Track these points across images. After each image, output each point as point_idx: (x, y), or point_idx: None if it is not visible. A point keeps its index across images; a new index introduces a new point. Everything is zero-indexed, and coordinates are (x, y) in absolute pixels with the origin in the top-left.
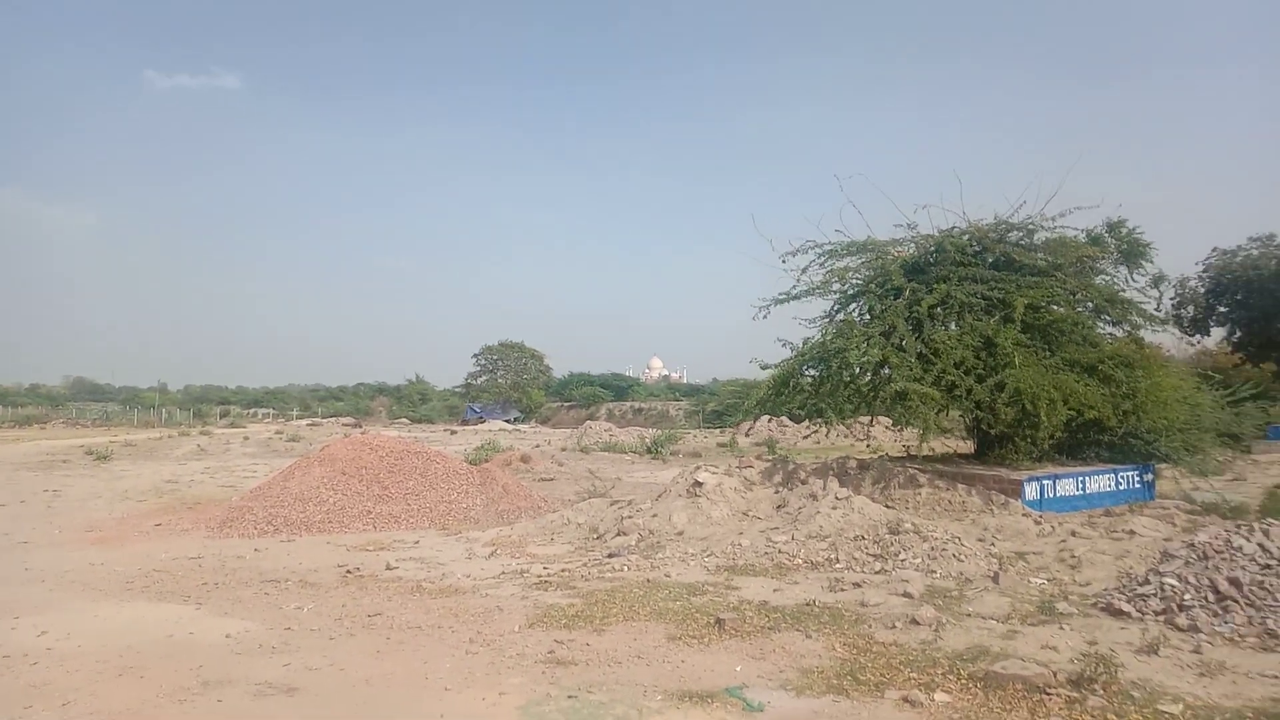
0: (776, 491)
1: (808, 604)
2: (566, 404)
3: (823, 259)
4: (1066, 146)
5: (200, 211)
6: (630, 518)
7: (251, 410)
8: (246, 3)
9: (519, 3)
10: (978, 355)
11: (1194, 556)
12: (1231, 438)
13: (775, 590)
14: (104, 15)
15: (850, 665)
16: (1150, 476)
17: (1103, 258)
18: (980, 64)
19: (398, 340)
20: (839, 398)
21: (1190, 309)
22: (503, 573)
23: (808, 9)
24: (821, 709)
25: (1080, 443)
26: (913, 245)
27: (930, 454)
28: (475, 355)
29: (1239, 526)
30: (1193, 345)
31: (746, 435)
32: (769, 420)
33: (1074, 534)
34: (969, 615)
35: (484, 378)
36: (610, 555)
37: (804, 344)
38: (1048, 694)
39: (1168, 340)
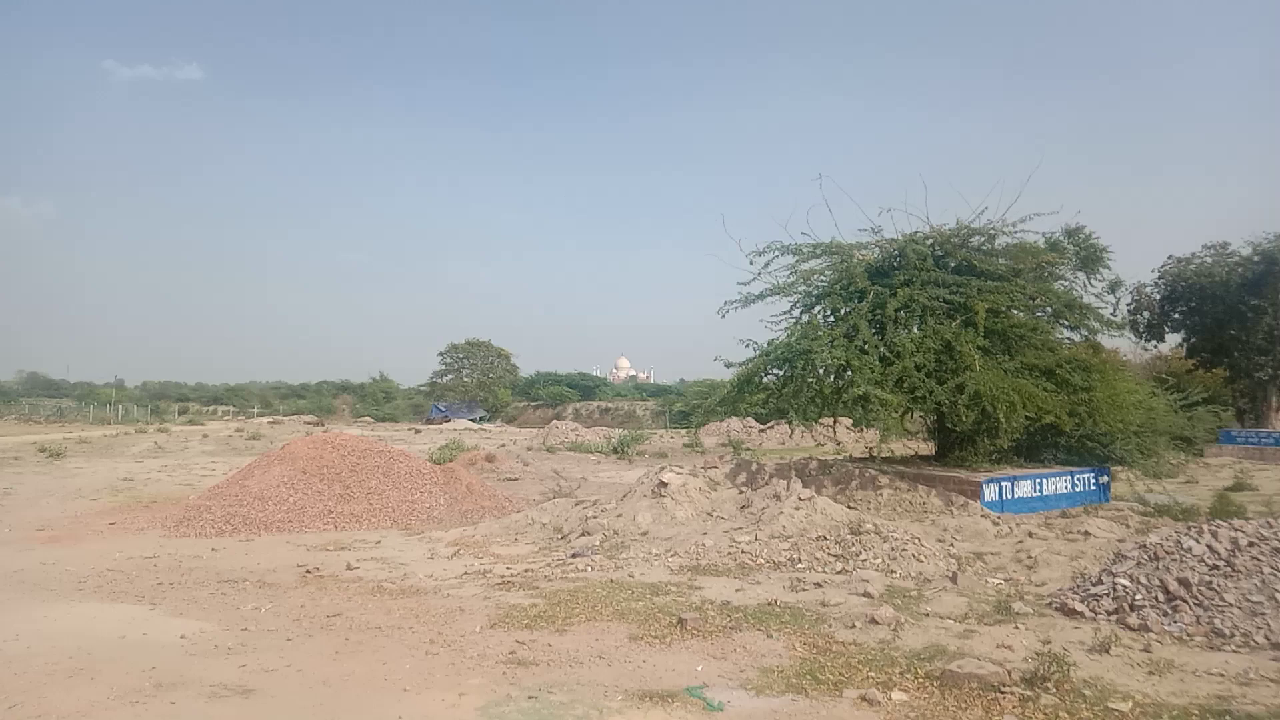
0: (741, 492)
1: (770, 604)
2: (533, 403)
3: (789, 260)
4: (1028, 153)
5: (161, 205)
6: (595, 518)
7: (211, 407)
8: None
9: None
10: (939, 358)
11: (1146, 557)
12: (1184, 441)
13: (738, 590)
14: (62, 3)
15: (810, 664)
16: (1105, 479)
17: (1061, 263)
18: (945, 69)
19: (362, 338)
20: (802, 399)
21: (1146, 315)
22: (465, 573)
23: (776, 7)
24: (780, 708)
25: (1038, 445)
26: (877, 249)
27: (892, 455)
28: (441, 353)
29: (1189, 528)
30: (1148, 350)
31: (711, 436)
32: (735, 421)
33: (1031, 535)
34: (927, 615)
35: (449, 376)
36: (574, 555)
37: (768, 344)
38: (1002, 692)
39: (1124, 345)
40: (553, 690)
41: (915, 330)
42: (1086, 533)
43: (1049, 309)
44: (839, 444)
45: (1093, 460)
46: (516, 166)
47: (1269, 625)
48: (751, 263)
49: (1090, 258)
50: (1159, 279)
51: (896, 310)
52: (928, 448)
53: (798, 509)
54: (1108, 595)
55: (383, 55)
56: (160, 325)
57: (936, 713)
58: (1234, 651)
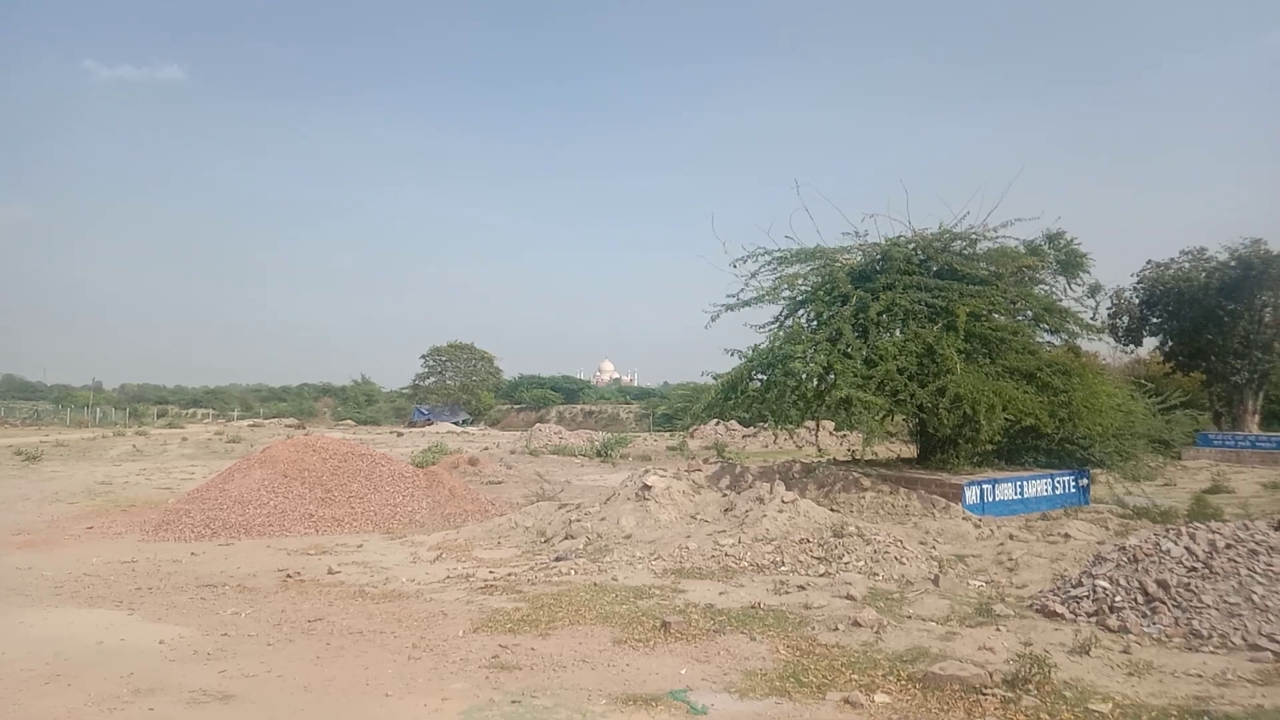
0: (724, 495)
1: (753, 606)
2: (516, 406)
3: (773, 265)
4: (1011, 159)
5: (140, 207)
6: (578, 521)
7: (190, 410)
8: None
9: (469, 2)
10: (920, 362)
11: (1125, 559)
12: (1162, 444)
13: (721, 593)
14: (41, 2)
15: (793, 667)
16: (1085, 481)
17: (1042, 268)
18: (927, 74)
19: (343, 340)
20: (785, 403)
21: (1125, 319)
22: (448, 577)
23: (763, 11)
24: (764, 711)
25: (1019, 448)
26: (860, 253)
27: (874, 458)
28: (423, 356)
29: (1168, 530)
30: (1127, 354)
31: (695, 439)
32: (718, 424)
33: (1012, 537)
34: (909, 617)
35: (432, 379)
36: (557, 559)
37: (753, 350)
38: (984, 694)
39: (1103, 349)
40: (536, 694)
41: (897, 334)
42: (1067, 535)
43: (1029, 313)
44: (819, 449)
45: (1072, 463)
46: (501, 170)
47: (1246, 626)
48: (735, 268)
49: (1070, 262)
50: (1138, 284)
51: (879, 314)
52: (910, 451)
53: (781, 512)
54: (1088, 597)
55: (367, 57)
56: (139, 328)
57: (919, 715)
58: (1211, 652)
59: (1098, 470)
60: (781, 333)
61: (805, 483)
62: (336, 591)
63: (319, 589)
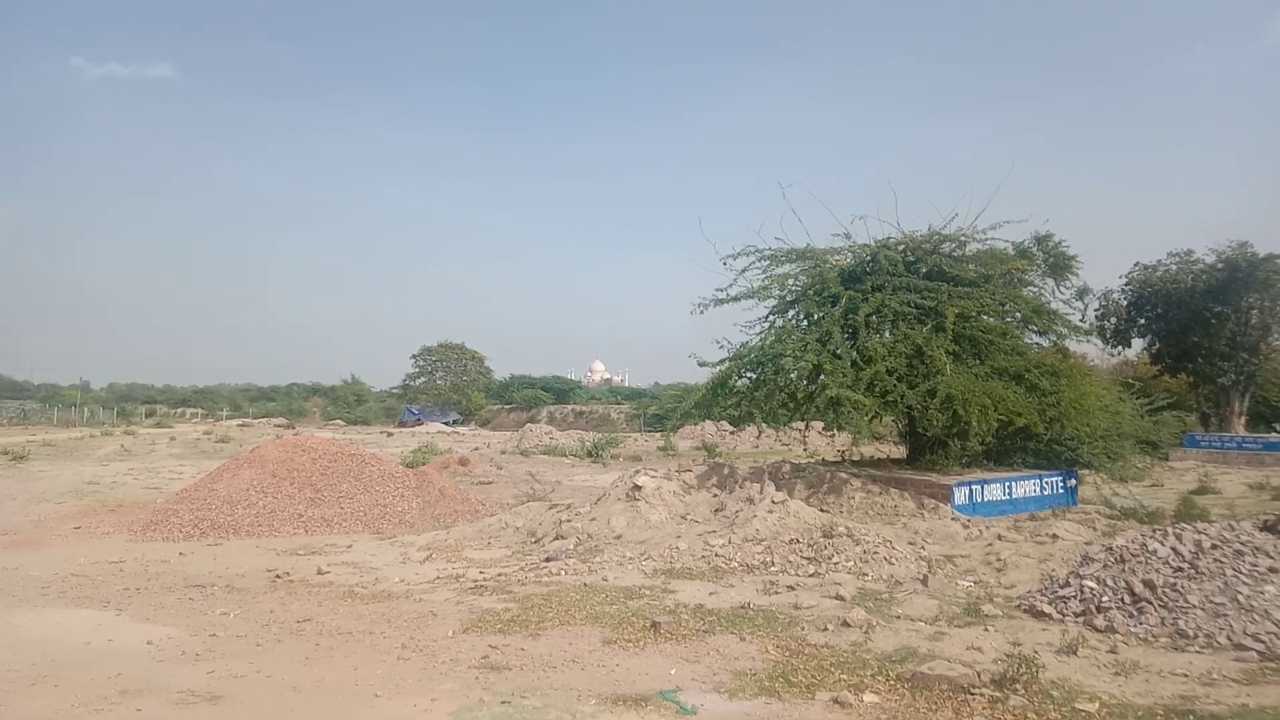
0: (714, 495)
1: (743, 607)
2: (507, 406)
3: (763, 264)
4: (1002, 160)
5: (128, 205)
6: (569, 521)
7: (179, 410)
8: None
9: (463, 2)
10: (910, 363)
11: (1112, 560)
12: (1150, 445)
13: (711, 593)
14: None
15: (783, 667)
16: (1073, 482)
17: (1030, 270)
18: (920, 76)
19: (333, 340)
20: (774, 403)
21: (1112, 321)
22: (438, 577)
23: (757, 13)
24: (753, 711)
25: (1007, 449)
26: (849, 254)
27: (863, 459)
28: (414, 356)
29: (1154, 531)
30: (1114, 356)
31: (685, 439)
32: (708, 424)
33: (1000, 538)
34: (898, 617)
35: (422, 379)
36: (547, 559)
37: (741, 346)
38: (972, 694)
39: (1091, 350)
40: (525, 695)
41: (887, 335)
42: (1054, 535)
43: (1018, 314)
44: (806, 448)
45: (1060, 464)
46: (494, 169)
47: (1231, 626)
48: (725, 265)
49: (1059, 265)
50: (1126, 285)
51: (868, 315)
52: (899, 451)
53: (771, 512)
54: (1075, 597)
55: (356, 55)
56: (127, 327)
57: (907, 714)
58: (1197, 652)
59: (1085, 471)
60: (771, 332)
61: (795, 483)
62: (326, 592)
63: (308, 589)
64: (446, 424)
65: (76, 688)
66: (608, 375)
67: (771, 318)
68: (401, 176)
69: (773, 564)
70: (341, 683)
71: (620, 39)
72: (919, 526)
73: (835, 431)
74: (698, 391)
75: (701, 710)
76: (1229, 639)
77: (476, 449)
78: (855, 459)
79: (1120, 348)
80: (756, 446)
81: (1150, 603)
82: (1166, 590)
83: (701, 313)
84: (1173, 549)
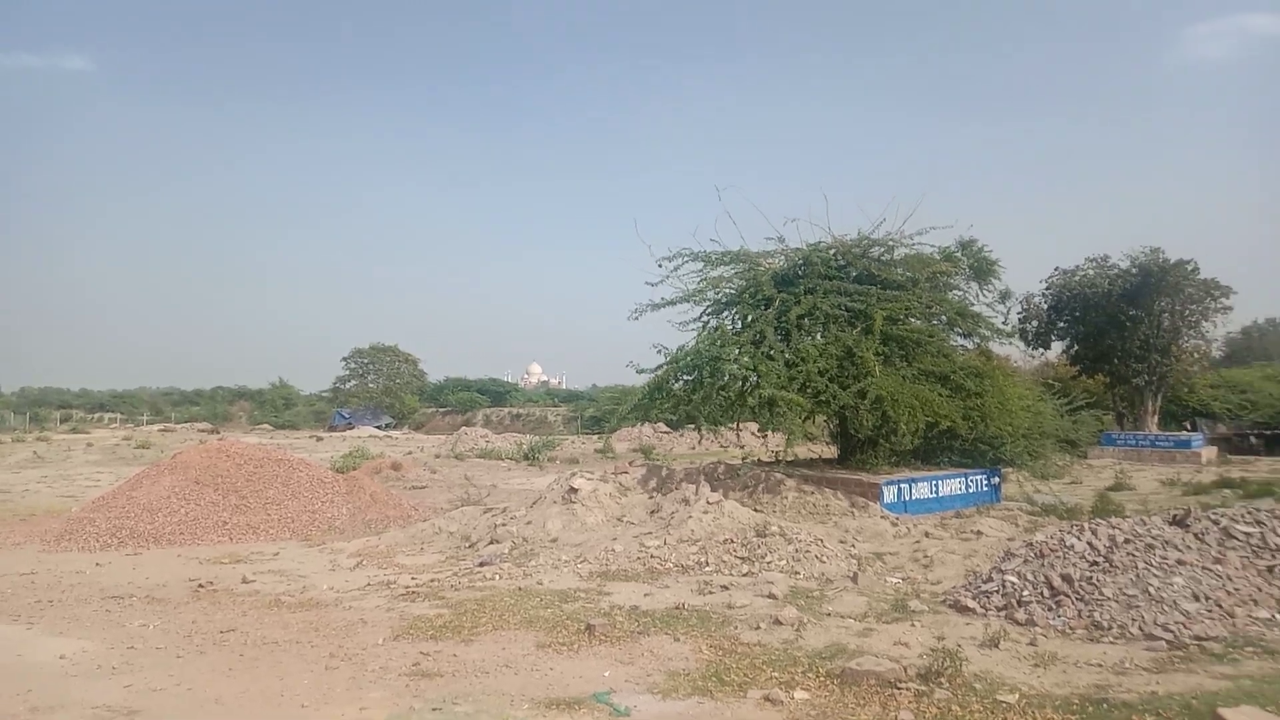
0: (650, 497)
1: (677, 607)
2: (442, 409)
3: (698, 267)
4: (927, 167)
5: (40, 199)
6: (504, 525)
7: (97, 414)
8: None
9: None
10: (840, 364)
11: (1032, 555)
12: (1069, 444)
13: (646, 595)
14: None
15: (716, 667)
16: (997, 480)
17: (955, 274)
18: (848, 77)
19: (260, 341)
20: (711, 405)
21: (1034, 323)
22: (368, 584)
23: (691, 11)
24: (686, 711)
25: (934, 448)
26: (782, 258)
27: (797, 459)
28: (345, 358)
29: (1072, 527)
30: (1035, 357)
31: (623, 441)
32: (645, 426)
33: (927, 535)
34: (829, 615)
35: (353, 382)
36: (482, 564)
37: (678, 351)
38: (899, 688)
39: (1013, 352)
40: (457, 701)
41: (818, 337)
42: (979, 532)
43: (944, 317)
44: (742, 447)
45: (985, 462)
46: (429, 170)
47: (1143, 617)
48: (660, 266)
49: (982, 269)
50: (1046, 289)
51: (800, 317)
52: (831, 451)
53: (706, 513)
54: (998, 592)
55: (281, 55)
56: (39, 329)
57: (837, 710)
58: (1111, 642)
59: (1009, 469)
60: (706, 334)
61: (730, 483)
62: (251, 601)
63: (233, 599)
64: (379, 428)
65: None
66: (545, 378)
67: (706, 319)
68: (335, 174)
69: (707, 564)
70: (266, 694)
71: (556, 38)
72: (850, 525)
73: (770, 432)
74: (635, 395)
75: (635, 711)
76: (1140, 629)
77: (410, 453)
78: (789, 459)
79: (1041, 350)
80: (694, 448)
81: (1068, 596)
82: (1083, 584)
83: (637, 318)
84: (1089, 544)
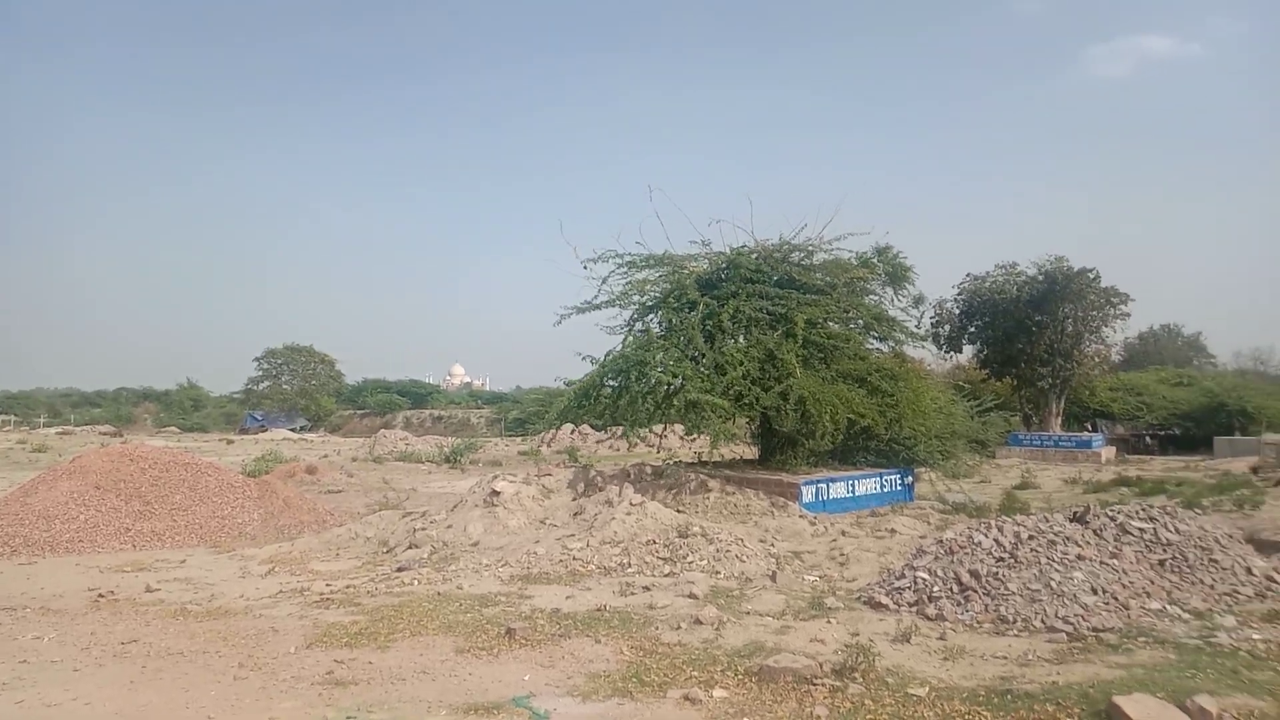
0: (574, 499)
1: (599, 609)
2: (360, 411)
3: (623, 269)
4: (845, 175)
5: None
6: (423, 529)
7: None
8: None
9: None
10: (763, 366)
11: (942, 552)
12: (979, 444)
13: (568, 597)
14: None
15: (636, 668)
16: (910, 479)
17: (872, 279)
18: (770, 88)
19: (167, 341)
20: (637, 408)
21: (946, 328)
22: (280, 591)
23: (617, 12)
24: (606, 712)
25: (851, 449)
26: (706, 261)
27: (720, 460)
28: (257, 359)
29: (980, 524)
30: (947, 361)
31: (549, 444)
32: (571, 429)
33: (844, 533)
34: (748, 613)
35: (266, 383)
36: (400, 569)
37: (605, 356)
38: (814, 684)
39: (927, 356)
40: (372, 709)
41: (741, 340)
42: (893, 530)
43: (860, 321)
44: (669, 450)
45: (899, 462)
46: (345, 170)
47: (1045, 610)
48: (586, 268)
49: (897, 275)
50: (958, 295)
51: (724, 321)
52: (753, 452)
53: (629, 514)
54: (909, 588)
55: (216, 55)
56: None
57: (754, 707)
58: (1016, 635)
59: (922, 469)
60: (632, 338)
61: (654, 485)
62: (155, 611)
63: (135, 608)
64: (293, 430)
65: None
66: (468, 379)
67: (633, 322)
68: (250, 171)
69: (630, 565)
70: (170, 706)
71: (482, 38)
72: (769, 524)
73: (695, 435)
74: (563, 399)
75: (555, 715)
76: (1043, 622)
77: (325, 456)
78: (713, 460)
79: (953, 353)
80: (617, 450)
81: (976, 591)
82: (990, 579)
83: (560, 323)
84: (995, 540)
